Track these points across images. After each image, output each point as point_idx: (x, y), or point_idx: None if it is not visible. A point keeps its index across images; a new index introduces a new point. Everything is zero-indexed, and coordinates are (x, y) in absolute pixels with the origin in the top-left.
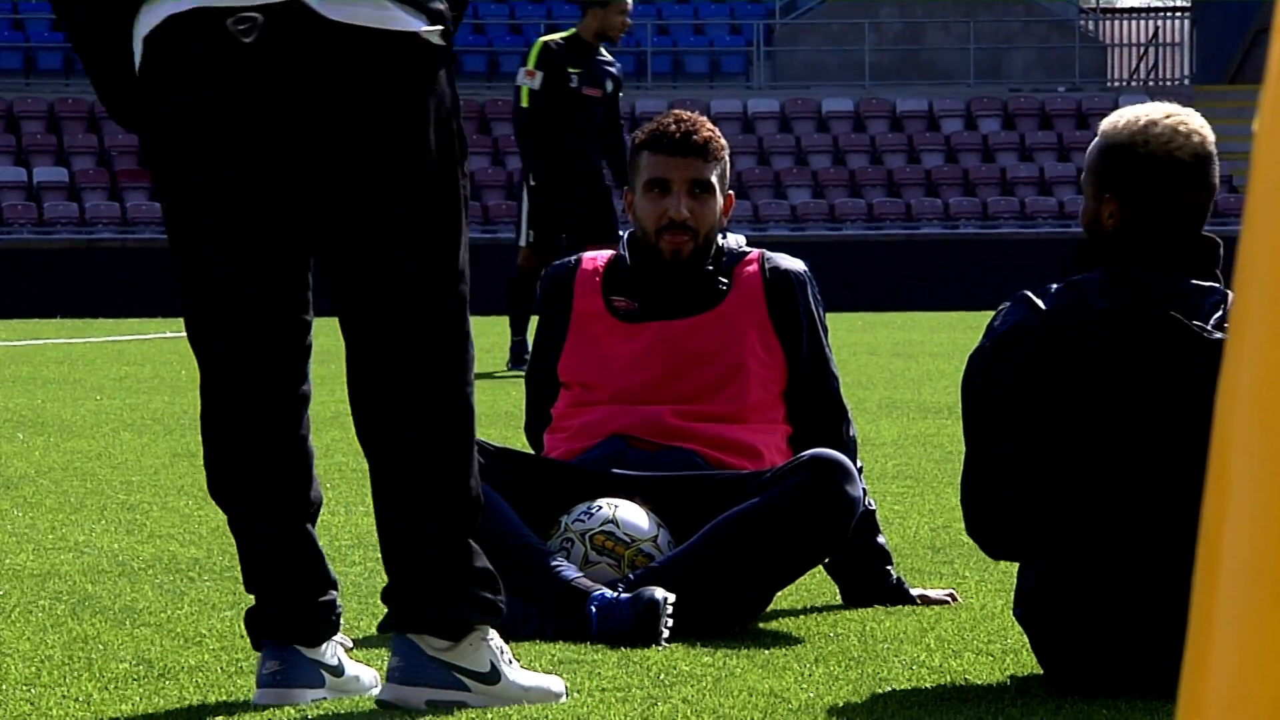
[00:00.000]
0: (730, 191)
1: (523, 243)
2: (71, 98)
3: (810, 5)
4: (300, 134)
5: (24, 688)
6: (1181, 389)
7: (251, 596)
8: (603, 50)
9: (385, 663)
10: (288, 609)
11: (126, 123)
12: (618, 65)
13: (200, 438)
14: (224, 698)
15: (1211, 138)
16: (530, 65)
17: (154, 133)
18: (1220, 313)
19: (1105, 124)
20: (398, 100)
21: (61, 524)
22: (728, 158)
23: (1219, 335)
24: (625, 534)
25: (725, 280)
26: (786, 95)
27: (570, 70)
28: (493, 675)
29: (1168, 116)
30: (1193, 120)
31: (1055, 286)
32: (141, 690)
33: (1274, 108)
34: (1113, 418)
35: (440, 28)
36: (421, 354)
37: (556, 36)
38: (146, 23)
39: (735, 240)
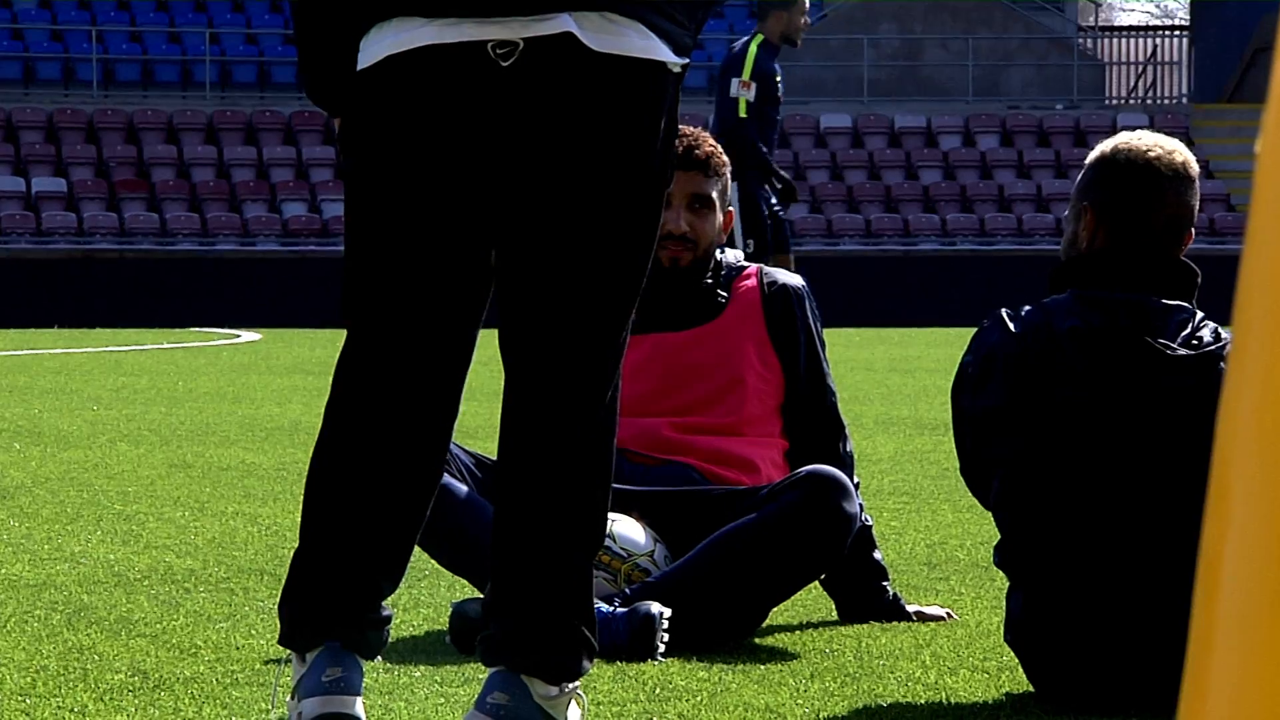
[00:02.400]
0: (730, 208)
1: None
2: (70, 108)
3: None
4: (533, 146)
5: (19, 698)
6: (1150, 407)
7: (291, 595)
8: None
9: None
10: (369, 613)
11: (333, 109)
12: None
13: (329, 412)
14: (219, 709)
15: (1195, 167)
16: (746, 76)
17: (373, 134)
18: (1188, 330)
19: (1099, 146)
20: (633, 124)
21: (57, 534)
22: (728, 174)
23: (1184, 352)
24: (621, 548)
25: (724, 294)
26: (785, 110)
27: (777, 79)
28: None
29: (1155, 140)
30: (1178, 146)
31: (1027, 308)
32: (136, 701)
33: (1276, 128)
34: (1086, 439)
35: (685, 60)
36: (583, 371)
37: (756, 43)
38: (369, 55)
39: (733, 256)
